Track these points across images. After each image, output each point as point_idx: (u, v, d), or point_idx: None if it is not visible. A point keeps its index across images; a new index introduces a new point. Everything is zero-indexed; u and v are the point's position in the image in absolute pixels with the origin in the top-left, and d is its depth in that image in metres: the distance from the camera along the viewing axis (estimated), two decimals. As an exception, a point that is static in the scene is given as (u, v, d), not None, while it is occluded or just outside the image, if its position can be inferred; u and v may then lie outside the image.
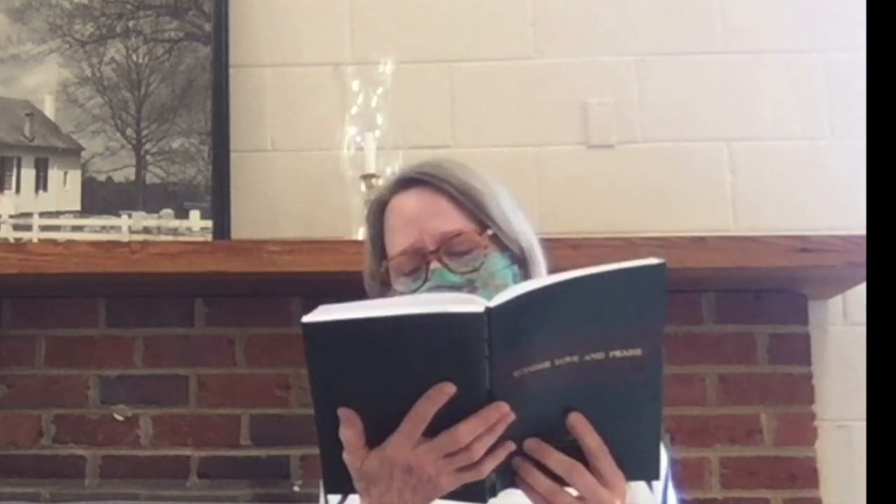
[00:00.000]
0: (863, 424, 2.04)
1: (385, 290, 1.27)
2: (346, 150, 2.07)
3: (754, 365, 2.06)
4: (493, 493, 1.03)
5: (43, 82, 2.20)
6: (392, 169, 1.97)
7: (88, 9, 2.22)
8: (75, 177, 2.17)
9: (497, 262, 1.24)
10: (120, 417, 2.06)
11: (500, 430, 0.98)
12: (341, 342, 0.96)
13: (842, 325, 2.13)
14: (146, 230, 2.13)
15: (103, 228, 2.14)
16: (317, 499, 1.34)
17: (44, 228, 2.13)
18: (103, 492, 2.04)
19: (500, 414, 0.97)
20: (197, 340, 2.08)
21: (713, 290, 2.07)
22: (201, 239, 2.10)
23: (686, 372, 2.04)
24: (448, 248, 1.22)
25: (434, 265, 1.21)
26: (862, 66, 2.12)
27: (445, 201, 1.25)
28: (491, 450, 0.99)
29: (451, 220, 1.24)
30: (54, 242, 2.02)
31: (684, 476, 1.92)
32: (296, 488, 2.03)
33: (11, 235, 2.12)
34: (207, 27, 2.21)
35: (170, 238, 2.10)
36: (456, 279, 1.21)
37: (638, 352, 0.99)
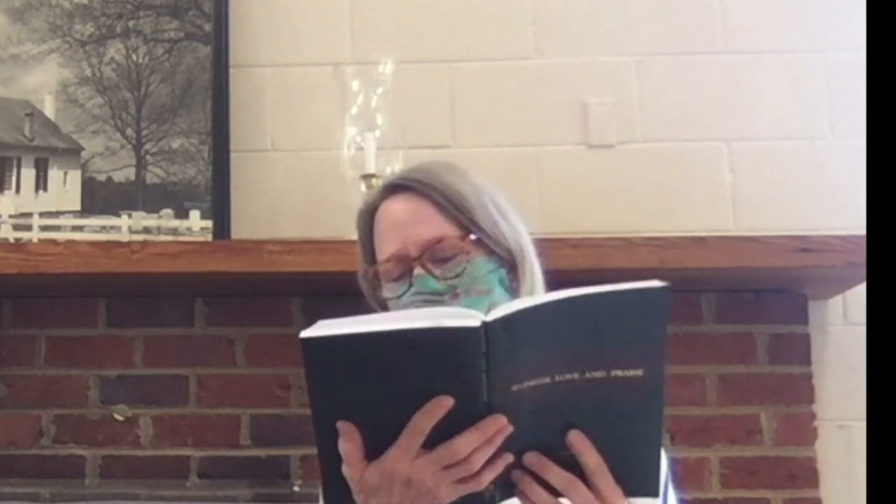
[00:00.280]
0: (863, 424, 2.04)
1: (375, 293, 1.29)
2: (346, 150, 2.08)
3: (754, 365, 2.06)
4: None
5: (43, 82, 2.20)
6: (392, 169, 1.97)
7: (88, 9, 2.22)
8: (75, 177, 2.17)
9: (481, 266, 1.24)
10: (120, 417, 2.06)
11: (498, 442, 0.99)
12: (340, 357, 0.97)
13: (842, 325, 2.13)
14: (146, 230, 2.13)
15: (103, 228, 2.14)
16: (317, 499, 1.34)
17: (44, 228, 2.13)
18: (103, 492, 2.04)
19: (498, 426, 0.98)
20: (197, 340, 2.08)
21: (713, 290, 2.07)
22: (201, 239, 2.10)
23: (686, 372, 2.04)
24: (431, 254, 1.23)
25: (417, 271, 1.23)
26: (862, 66, 2.12)
27: (430, 207, 1.26)
28: (489, 462, 1.00)
29: (434, 226, 1.25)
30: (54, 242, 2.02)
31: (684, 476, 1.92)
32: (296, 488, 2.03)
33: (11, 235, 2.12)
34: (207, 27, 2.21)
35: (170, 238, 2.10)
36: (438, 285, 1.22)
37: (640, 372, 1.00)
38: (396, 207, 1.28)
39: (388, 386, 0.98)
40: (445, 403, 0.97)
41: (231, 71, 2.20)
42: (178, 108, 2.19)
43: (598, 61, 2.23)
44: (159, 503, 2.03)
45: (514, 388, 0.97)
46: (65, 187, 2.16)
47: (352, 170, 2.06)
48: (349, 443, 1.00)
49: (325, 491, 1.06)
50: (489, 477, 1.01)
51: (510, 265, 1.27)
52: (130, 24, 2.22)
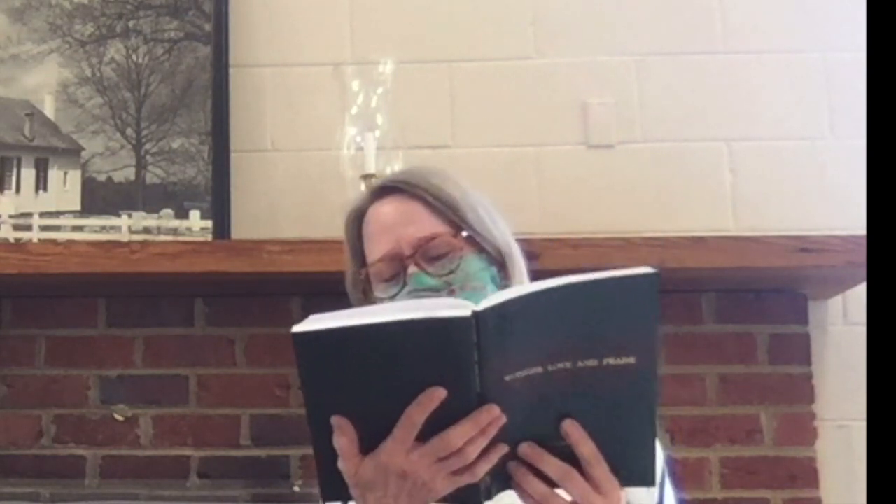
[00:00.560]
0: (863, 424, 2.04)
1: (366, 296, 1.29)
2: (346, 150, 2.08)
3: (754, 365, 2.06)
4: (489, 497, 1.04)
5: (43, 82, 2.20)
6: (392, 169, 1.97)
7: (88, 9, 2.22)
8: (75, 177, 2.17)
9: (474, 263, 1.25)
10: (120, 417, 2.06)
11: (492, 432, 0.99)
12: (332, 350, 0.97)
13: (842, 325, 2.13)
14: (146, 230, 2.13)
15: (103, 228, 2.14)
16: (317, 499, 1.34)
17: (44, 228, 2.13)
18: (103, 492, 2.04)
19: (491, 417, 0.98)
20: (197, 340, 2.08)
21: (713, 290, 2.07)
22: (201, 239, 2.10)
23: (686, 372, 2.04)
24: (424, 252, 1.24)
25: (411, 269, 1.23)
26: (862, 66, 2.12)
27: (421, 207, 1.27)
28: (484, 453, 1.00)
29: (426, 225, 1.26)
30: (54, 242, 2.02)
31: (684, 476, 1.93)
32: (296, 488, 2.03)
33: (11, 235, 2.12)
34: (207, 27, 2.21)
35: (170, 238, 2.10)
36: (433, 282, 1.22)
37: (632, 360, 1.00)
38: (386, 209, 1.29)
39: (381, 379, 0.98)
40: (438, 395, 0.97)
41: (231, 71, 2.20)
42: (178, 108, 2.19)
43: (598, 61, 2.23)
44: (159, 503, 2.03)
45: (507, 378, 0.97)
46: (65, 187, 2.16)
47: (352, 170, 2.06)
48: (344, 437, 1.00)
49: (323, 487, 1.06)
50: (484, 468, 1.01)
51: (499, 264, 1.28)
52: (130, 24, 2.22)
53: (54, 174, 2.17)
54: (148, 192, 2.16)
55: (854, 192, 2.10)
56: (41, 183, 2.16)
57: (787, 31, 2.23)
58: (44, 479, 2.04)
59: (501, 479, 1.03)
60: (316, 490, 1.29)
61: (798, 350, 2.07)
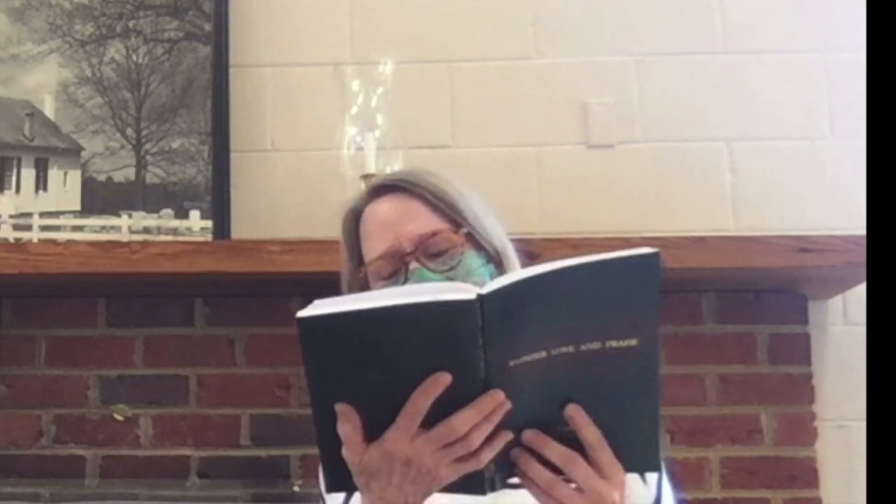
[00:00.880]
0: (863, 424, 2.04)
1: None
2: (346, 150, 2.07)
3: (754, 365, 2.06)
4: (493, 487, 1.03)
5: (43, 82, 2.20)
6: (392, 169, 1.97)
7: (88, 9, 2.22)
8: (75, 177, 2.17)
9: (473, 260, 1.26)
10: (120, 417, 2.06)
11: (497, 418, 0.99)
12: (336, 336, 0.96)
13: (842, 325, 2.13)
14: (146, 230, 2.13)
15: (103, 228, 2.14)
16: (317, 499, 1.34)
17: (44, 228, 2.13)
18: (103, 492, 2.04)
19: (496, 402, 0.98)
20: (197, 340, 2.08)
21: (713, 290, 2.07)
22: (201, 239, 2.10)
23: (686, 372, 2.04)
24: (425, 248, 1.24)
25: (413, 265, 1.23)
26: (862, 66, 2.12)
27: (419, 204, 1.28)
28: (489, 439, 1.00)
29: (426, 221, 1.26)
30: (54, 242, 2.02)
31: (684, 476, 1.93)
32: (296, 488, 2.03)
33: (11, 235, 2.12)
34: (207, 27, 2.21)
35: (170, 238, 2.10)
36: (435, 277, 1.23)
37: (634, 342, 0.99)
38: (385, 207, 1.29)
39: (386, 364, 0.97)
40: (443, 381, 0.97)
41: (231, 71, 2.20)
42: (178, 108, 2.19)
43: (598, 61, 2.23)
44: (159, 503, 2.03)
45: (511, 363, 0.97)
46: (65, 187, 2.16)
47: (352, 170, 2.06)
48: (348, 425, 1.00)
49: (327, 476, 1.06)
50: (488, 455, 1.00)
51: (497, 262, 1.28)
52: (130, 24, 2.22)
53: (54, 174, 2.17)
54: (148, 192, 2.16)
55: (854, 192, 2.10)
56: (41, 183, 2.16)
57: (787, 31, 2.23)
58: (44, 479, 2.04)
59: (505, 467, 1.03)
60: (316, 490, 1.29)
61: (798, 350, 2.07)
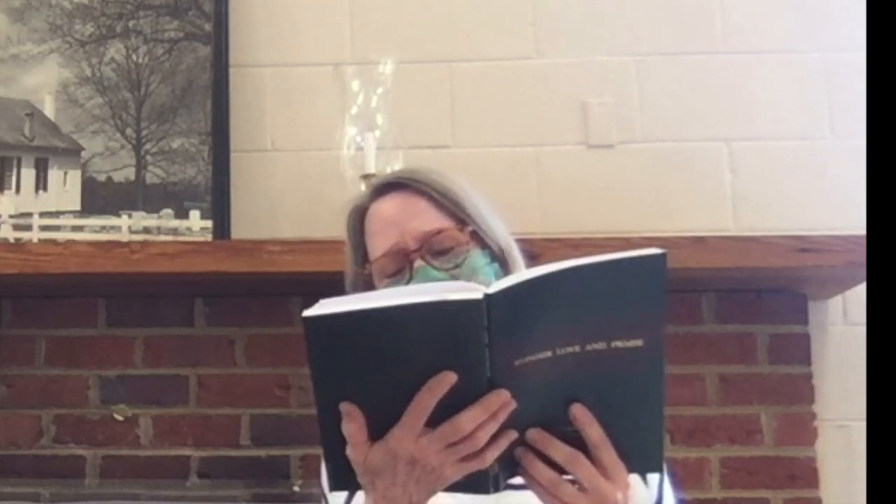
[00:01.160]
0: (863, 424, 2.04)
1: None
2: (346, 150, 2.07)
3: (754, 365, 2.06)
4: (497, 486, 1.03)
5: (43, 82, 2.20)
6: (392, 169, 1.97)
7: (88, 9, 2.22)
8: (75, 177, 2.17)
9: (478, 258, 1.26)
10: (120, 417, 2.06)
11: (502, 417, 0.99)
12: (342, 335, 0.96)
13: (842, 325, 2.13)
14: (146, 230, 2.13)
15: (103, 228, 2.14)
16: (318, 499, 1.34)
17: (44, 228, 2.13)
18: (103, 492, 2.04)
19: (502, 401, 0.98)
20: (197, 340, 2.08)
21: (713, 290, 2.07)
22: (201, 239, 2.10)
23: (686, 372, 2.04)
24: (430, 246, 1.24)
25: (418, 263, 1.23)
26: (862, 66, 2.12)
27: (424, 202, 1.28)
28: (493, 439, 0.99)
29: (431, 219, 1.26)
30: (54, 242, 2.02)
31: (684, 476, 1.93)
32: (296, 488, 2.03)
33: (11, 235, 2.12)
34: (207, 27, 2.21)
35: (170, 238, 2.10)
36: (440, 276, 1.22)
37: (639, 342, 1.00)
38: (390, 205, 1.29)
39: (391, 363, 0.97)
40: (449, 379, 0.97)
41: (231, 71, 2.20)
42: (178, 108, 2.19)
43: (598, 61, 2.23)
44: (159, 503, 2.03)
45: (517, 362, 0.97)
46: (65, 187, 2.16)
47: (352, 170, 2.05)
48: (353, 423, 0.99)
49: (331, 475, 1.06)
50: (493, 454, 1.00)
51: (501, 261, 1.28)
52: (130, 24, 2.22)
53: (54, 174, 2.17)
54: (148, 192, 2.16)
55: (854, 192, 2.10)
56: (41, 183, 2.16)
57: (787, 31, 2.23)
58: (44, 479, 2.04)
59: (509, 466, 1.03)
60: (317, 490, 1.29)
61: (798, 350, 2.07)
